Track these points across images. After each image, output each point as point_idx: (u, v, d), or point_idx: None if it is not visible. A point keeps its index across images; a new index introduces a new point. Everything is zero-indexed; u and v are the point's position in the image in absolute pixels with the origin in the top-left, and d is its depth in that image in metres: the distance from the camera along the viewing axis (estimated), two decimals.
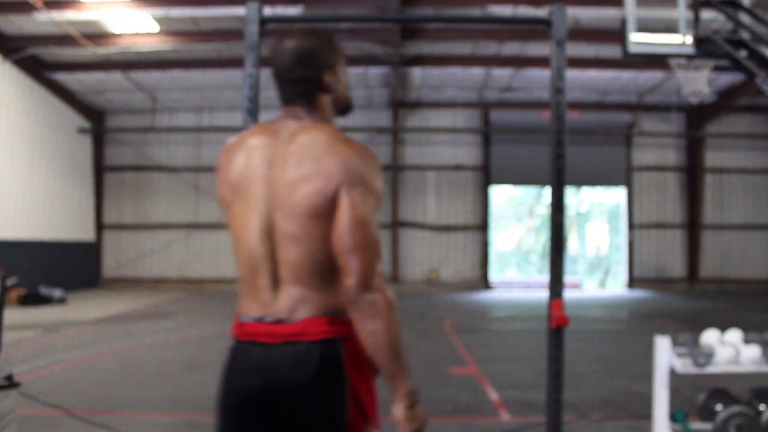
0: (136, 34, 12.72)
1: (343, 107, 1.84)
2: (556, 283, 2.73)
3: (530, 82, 15.23)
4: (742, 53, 6.58)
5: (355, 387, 1.64)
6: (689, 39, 6.60)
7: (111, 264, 17.12)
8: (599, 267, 21.84)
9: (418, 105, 16.97)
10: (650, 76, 14.80)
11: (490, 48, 13.22)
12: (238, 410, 1.66)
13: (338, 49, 1.80)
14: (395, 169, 16.59)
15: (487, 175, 17.27)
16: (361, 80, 15.16)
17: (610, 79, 15.12)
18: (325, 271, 1.62)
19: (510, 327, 10.58)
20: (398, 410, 1.61)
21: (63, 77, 14.96)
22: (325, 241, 1.60)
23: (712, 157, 16.97)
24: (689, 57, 7.12)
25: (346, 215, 1.58)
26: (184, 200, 17.14)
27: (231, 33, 12.68)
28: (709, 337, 3.57)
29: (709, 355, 3.35)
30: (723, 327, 3.77)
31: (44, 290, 13.00)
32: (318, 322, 1.61)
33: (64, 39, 12.65)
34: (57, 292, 13.12)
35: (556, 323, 2.69)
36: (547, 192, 21.28)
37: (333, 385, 1.60)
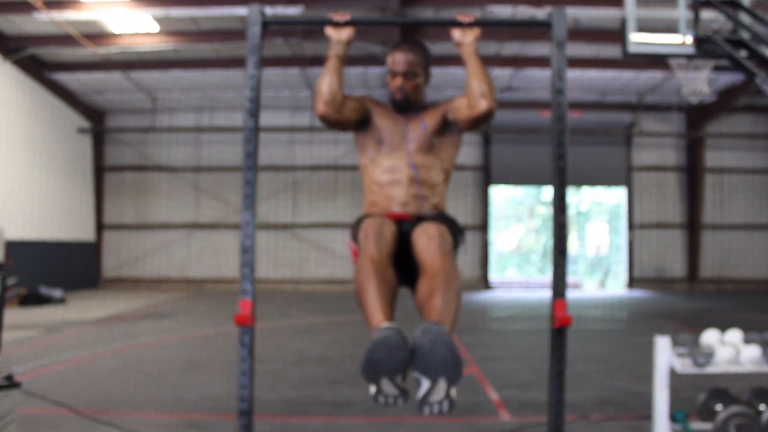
0: (136, 34, 12.71)
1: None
2: (560, 283, 2.73)
3: (530, 82, 15.23)
4: (742, 53, 6.59)
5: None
6: (689, 39, 6.61)
7: (111, 264, 17.13)
8: (599, 267, 21.84)
9: None
10: (650, 76, 14.80)
11: (489, 48, 13.22)
12: None
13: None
14: None
15: (487, 175, 17.27)
16: (360, 80, 15.16)
17: (610, 79, 15.12)
18: None
19: (510, 327, 10.58)
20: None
21: (63, 77, 14.96)
22: None
23: (712, 157, 16.99)
24: (689, 57, 7.12)
25: None
26: (185, 200, 17.15)
27: (231, 33, 12.67)
28: (709, 337, 3.58)
29: (709, 355, 3.36)
30: (723, 327, 3.79)
31: (44, 290, 13.01)
32: None
33: (64, 39, 12.65)
34: (57, 292, 13.13)
35: (560, 323, 2.69)
36: (547, 192, 21.31)
37: None
